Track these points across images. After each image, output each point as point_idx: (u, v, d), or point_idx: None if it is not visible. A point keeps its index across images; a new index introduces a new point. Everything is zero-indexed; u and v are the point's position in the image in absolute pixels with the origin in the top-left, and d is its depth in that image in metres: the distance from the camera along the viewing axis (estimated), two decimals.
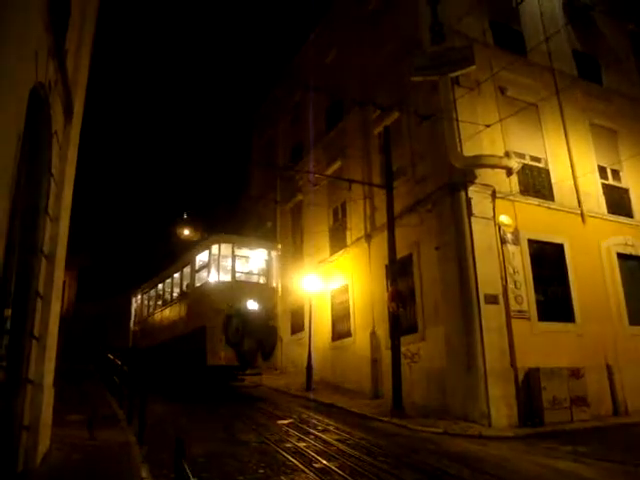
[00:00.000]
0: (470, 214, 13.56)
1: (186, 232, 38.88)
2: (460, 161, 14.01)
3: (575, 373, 13.02)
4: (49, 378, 7.45)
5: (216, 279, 16.95)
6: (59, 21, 6.24)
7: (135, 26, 59.73)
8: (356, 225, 18.71)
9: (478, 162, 14.05)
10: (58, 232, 7.56)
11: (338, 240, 20.03)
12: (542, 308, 14.02)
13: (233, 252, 17.31)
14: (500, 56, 15.66)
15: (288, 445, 9.30)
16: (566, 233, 15.15)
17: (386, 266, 15.22)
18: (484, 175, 14.03)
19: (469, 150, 14.10)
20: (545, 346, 13.38)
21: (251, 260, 18.21)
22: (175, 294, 21.06)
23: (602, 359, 14.21)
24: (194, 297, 18.41)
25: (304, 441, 9.71)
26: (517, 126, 15.35)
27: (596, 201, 16.33)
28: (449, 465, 8.35)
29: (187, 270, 19.37)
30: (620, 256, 16.03)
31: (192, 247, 19.73)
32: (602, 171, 16.99)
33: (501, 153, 14.59)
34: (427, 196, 14.88)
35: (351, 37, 20.96)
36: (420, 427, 11.57)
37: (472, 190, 13.78)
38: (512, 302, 13.42)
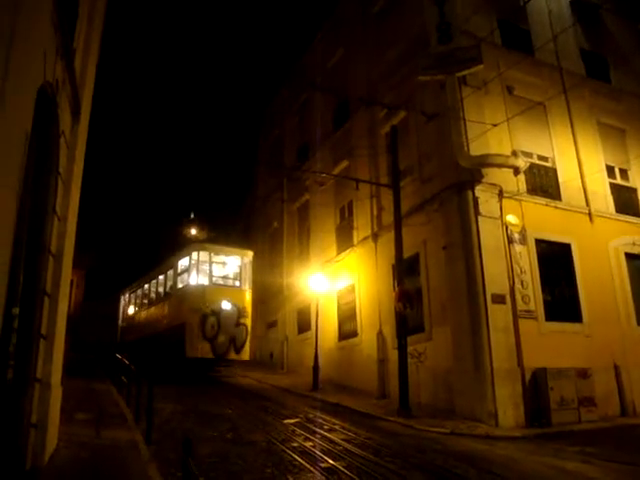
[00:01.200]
0: (477, 213, 13.53)
1: (193, 232, 39.06)
2: (467, 160, 13.97)
3: (582, 373, 12.96)
4: (57, 376, 7.47)
5: (195, 282, 19.67)
6: (67, 21, 6.26)
7: (144, 26, 59.95)
8: (363, 224, 18.69)
9: (485, 161, 14.02)
10: (66, 231, 7.57)
11: (345, 239, 20.02)
12: (549, 308, 13.97)
13: (210, 259, 20.09)
14: (507, 55, 15.62)
15: (295, 444, 9.29)
16: (573, 233, 15.08)
17: (393, 265, 15.20)
18: (491, 174, 14.00)
19: (476, 149, 14.06)
20: (552, 346, 13.33)
21: (226, 266, 20.94)
22: (159, 294, 23.67)
23: (610, 359, 14.14)
24: (176, 297, 21.03)
25: (311, 440, 9.70)
26: (524, 125, 15.30)
27: (604, 201, 16.24)
28: (456, 465, 8.33)
29: (170, 273, 22.11)
30: (628, 256, 15.94)
31: (175, 253, 22.17)
32: (610, 170, 16.91)
33: (508, 152, 14.54)
34: (434, 195, 14.85)
35: (357, 37, 20.96)
36: (427, 427, 11.55)
37: (479, 189, 13.75)
38: (519, 302, 13.38)
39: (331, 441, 9.71)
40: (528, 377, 12.76)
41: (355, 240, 19.14)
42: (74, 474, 6.77)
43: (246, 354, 19.68)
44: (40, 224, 6.64)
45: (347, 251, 19.57)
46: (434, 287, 14.64)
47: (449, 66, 14.62)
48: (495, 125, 13.95)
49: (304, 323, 22.29)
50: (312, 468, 7.77)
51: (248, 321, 19.97)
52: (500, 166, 14.15)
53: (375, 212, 17.93)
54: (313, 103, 24.59)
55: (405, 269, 14.32)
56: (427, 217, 15.12)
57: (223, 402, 14.26)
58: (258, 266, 29.78)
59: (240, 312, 19.53)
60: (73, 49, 7.08)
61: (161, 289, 23.52)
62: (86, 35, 8.35)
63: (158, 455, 7.89)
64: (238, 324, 19.34)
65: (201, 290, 19.33)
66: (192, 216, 41.90)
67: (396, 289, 14.10)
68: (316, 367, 17.70)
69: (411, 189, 15.81)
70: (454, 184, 14.09)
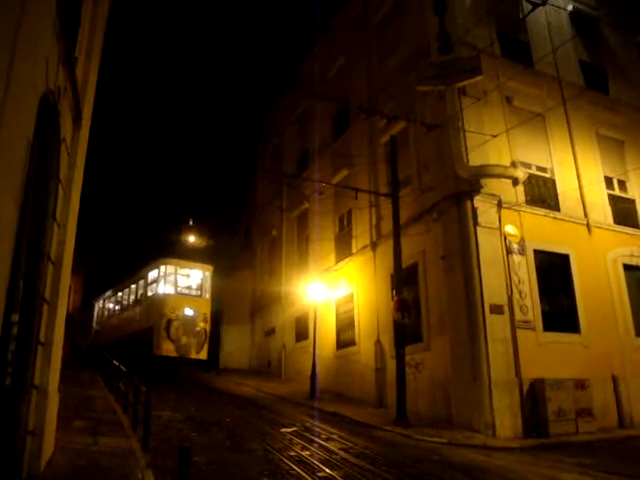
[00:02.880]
0: (476, 224, 13.55)
1: (192, 239, 39.04)
2: (466, 171, 14.02)
3: (580, 384, 12.94)
4: (54, 383, 7.45)
5: (163, 291, 22.67)
6: (69, 29, 6.30)
7: (142, 34, 60.13)
8: (362, 233, 18.70)
9: (484, 172, 14.06)
10: (65, 238, 7.58)
11: (343, 248, 20.03)
12: (547, 318, 13.96)
13: (176, 271, 23.15)
14: (507, 66, 15.69)
15: (292, 453, 9.27)
16: (572, 244, 15.10)
17: (391, 275, 15.18)
18: (490, 185, 14.03)
19: (475, 160, 14.10)
20: (550, 357, 13.33)
21: (190, 278, 23.82)
22: (131, 301, 26.73)
23: (608, 370, 14.13)
24: (146, 304, 24.01)
25: (308, 450, 9.67)
26: (523, 136, 15.35)
27: (602, 212, 16.28)
28: (453, 476, 8.32)
29: (142, 283, 25.21)
30: (626, 267, 15.95)
31: (146, 266, 24.93)
32: (608, 182, 16.96)
33: (507, 163, 14.59)
34: (433, 205, 14.87)
35: (358, 46, 21.05)
36: (424, 437, 11.52)
37: (478, 200, 13.78)
38: (517, 312, 13.37)
39: (328, 450, 9.68)
40: (526, 388, 12.74)
41: (354, 249, 19.14)
42: None
43: (204, 354, 22.61)
44: (40, 231, 6.65)
45: (346, 260, 19.57)
46: (433, 297, 14.64)
47: (449, 76, 14.69)
48: (494, 136, 13.96)
49: (302, 331, 22.27)
50: (309, 477, 7.75)
51: (207, 326, 22.91)
52: (499, 176, 14.21)
53: (374, 221, 17.95)
54: (313, 111, 24.65)
55: (404, 279, 14.32)
56: (426, 227, 15.15)
57: (220, 410, 14.21)
58: (257, 274, 29.90)
59: (201, 317, 22.53)
60: (75, 57, 7.12)
61: (133, 297, 26.43)
62: (88, 42, 8.40)
63: (155, 463, 7.85)
64: (199, 328, 22.30)
65: (167, 298, 22.32)
66: (191, 223, 41.82)
67: (394, 298, 14.10)
68: (314, 376, 17.65)
69: (410, 199, 15.84)
70: (453, 194, 14.13)
